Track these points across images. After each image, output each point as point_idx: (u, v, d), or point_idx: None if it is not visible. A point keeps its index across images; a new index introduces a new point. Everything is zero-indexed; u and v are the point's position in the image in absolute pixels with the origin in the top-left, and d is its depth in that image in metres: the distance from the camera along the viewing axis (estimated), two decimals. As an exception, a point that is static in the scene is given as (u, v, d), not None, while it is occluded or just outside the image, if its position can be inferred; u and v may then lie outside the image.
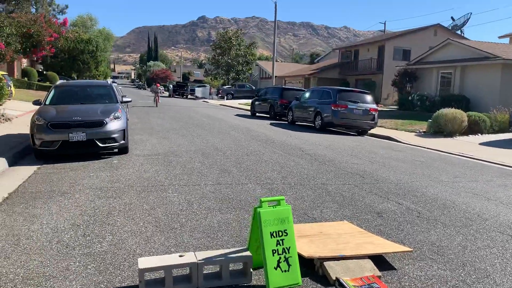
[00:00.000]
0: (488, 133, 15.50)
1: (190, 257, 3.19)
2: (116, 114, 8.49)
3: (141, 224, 4.48)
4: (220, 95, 46.05)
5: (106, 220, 4.55)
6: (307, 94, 17.77)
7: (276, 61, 42.89)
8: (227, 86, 49.74)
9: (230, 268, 3.31)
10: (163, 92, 29.94)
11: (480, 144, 13.66)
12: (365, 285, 3.15)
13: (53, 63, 41.17)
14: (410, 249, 3.87)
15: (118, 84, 35.53)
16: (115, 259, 3.57)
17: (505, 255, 4.11)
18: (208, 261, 3.18)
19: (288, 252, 3.27)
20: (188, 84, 55.06)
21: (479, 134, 15.33)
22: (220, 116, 21.02)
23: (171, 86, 49.97)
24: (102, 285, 3.12)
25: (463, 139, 14.76)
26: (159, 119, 17.19)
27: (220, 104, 34.72)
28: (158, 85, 29.14)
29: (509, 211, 5.74)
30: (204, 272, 3.26)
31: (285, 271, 3.22)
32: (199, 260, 3.15)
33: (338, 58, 43.84)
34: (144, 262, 3.09)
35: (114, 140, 8.24)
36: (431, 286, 3.36)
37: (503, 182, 7.90)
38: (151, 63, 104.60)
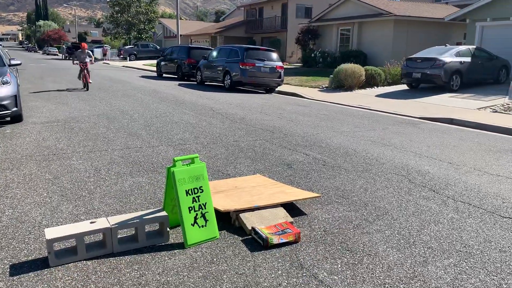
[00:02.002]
0: (383, 86, 16.74)
1: (102, 223, 3.07)
2: (4, 79, 7.64)
3: (45, 194, 4.18)
4: (122, 56, 43.50)
5: (3, 194, 4.17)
6: (214, 53, 17.52)
7: (181, 19, 41.31)
8: (129, 46, 47.04)
9: (146, 230, 3.26)
10: (92, 61, 15.06)
11: (376, 96, 14.75)
12: (279, 231, 3.31)
13: None
14: (318, 195, 4.12)
15: (3, 46, 31.40)
16: (18, 233, 3.31)
17: (400, 193, 4.57)
18: (122, 224, 3.09)
19: (205, 208, 3.30)
20: (86, 45, 51.05)
21: (376, 87, 16.50)
22: (123, 78, 19.96)
23: (65, 47, 46.07)
24: (5, 261, 2.89)
25: (361, 92, 15.79)
26: (56, 84, 15.85)
27: (123, 66, 32.91)
28: (85, 46, 15.20)
29: (402, 155, 6.35)
30: (119, 236, 3.18)
31: (202, 226, 3.26)
32: (112, 225, 3.05)
33: (244, 16, 43.57)
34: (52, 232, 2.91)
35: (5, 107, 7.44)
36: (338, 226, 3.64)
37: (396, 129, 8.67)
38: (41, 22, 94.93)
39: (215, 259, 3.01)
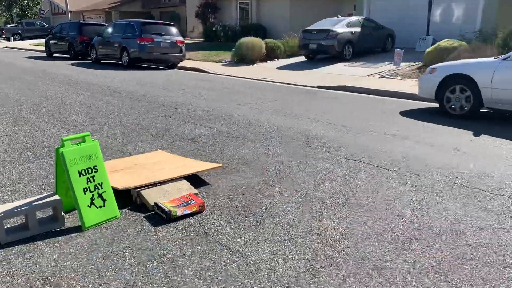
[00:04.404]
0: (284, 58, 17.21)
1: (-16, 214, 2.80)
2: None
3: None
4: (4, 36, 39.12)
5: None
6: (109, 29, 16.51)
7: (69, -6, 38.07)
8: (12, 25, 42.39)
9: (38, 217, 3.04)
10: None
11: (277, 68, 15.15)
12: (182, 203, 3.30)
13: None
14: (220, 165, 4.17)
15: None
16: None
17: (298, 157, 4.80)
18: (8, 213, 2.85)
19: (101, 188, 3.16)
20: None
21: (276, 59, 16.91)
22: (7, 59, 18.04)
23: None
24: None
25: (263, 65, 16.10)
26: None
27: (6, 47, 29.64)
28: None
29: (301, 122, 6.64)
30: (7, 226, 2.93)
31: (100, 207, 3.12)
32: (-3, 215, 2.79)
33: (139, -10, 41.43)
34: None
35: None
36: (241, 193, 3.73)
37: (296, 99, 9.03)
38: None
39: (115, 238, 2.92)
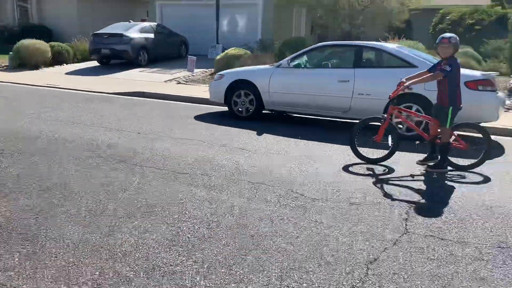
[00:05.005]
0: (73, 63, 15.92)
1: None
2: None
3: None
4: None
5: None
6: None
7: None
8: None
9: None
10: None
11: (66, 73, 13.93)
12: None
13: None
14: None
15: None
16: None
17: (89, 169, 4.47)
18: None
19: None
20: None
21: (65, 64, 15.52)
22: None
23: None
24: None
25: (49, 70, 14.58)
26: None
27: None
28: None
29: (92, 131, 6.22)
30: None
31: None
32: None
33: None
34: None
35: None
36: (16, 218, 3.27)
37: (87, 106, 8.45)
38: None
39: None
